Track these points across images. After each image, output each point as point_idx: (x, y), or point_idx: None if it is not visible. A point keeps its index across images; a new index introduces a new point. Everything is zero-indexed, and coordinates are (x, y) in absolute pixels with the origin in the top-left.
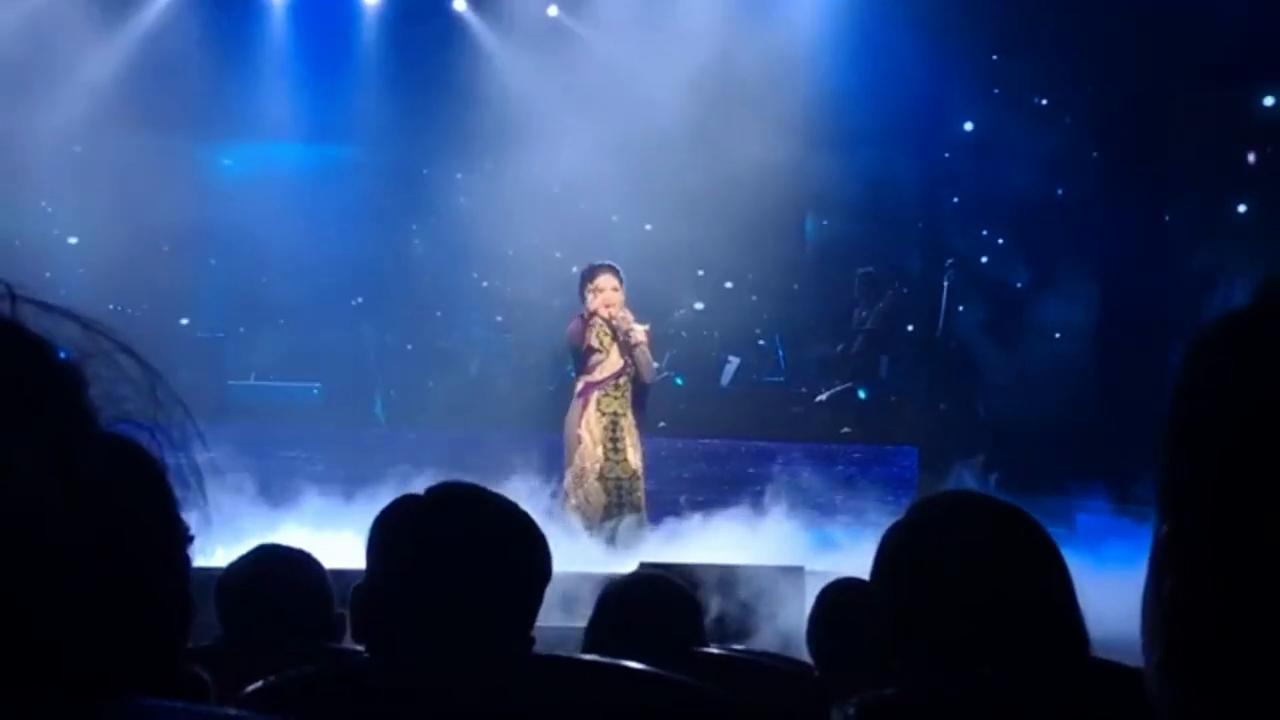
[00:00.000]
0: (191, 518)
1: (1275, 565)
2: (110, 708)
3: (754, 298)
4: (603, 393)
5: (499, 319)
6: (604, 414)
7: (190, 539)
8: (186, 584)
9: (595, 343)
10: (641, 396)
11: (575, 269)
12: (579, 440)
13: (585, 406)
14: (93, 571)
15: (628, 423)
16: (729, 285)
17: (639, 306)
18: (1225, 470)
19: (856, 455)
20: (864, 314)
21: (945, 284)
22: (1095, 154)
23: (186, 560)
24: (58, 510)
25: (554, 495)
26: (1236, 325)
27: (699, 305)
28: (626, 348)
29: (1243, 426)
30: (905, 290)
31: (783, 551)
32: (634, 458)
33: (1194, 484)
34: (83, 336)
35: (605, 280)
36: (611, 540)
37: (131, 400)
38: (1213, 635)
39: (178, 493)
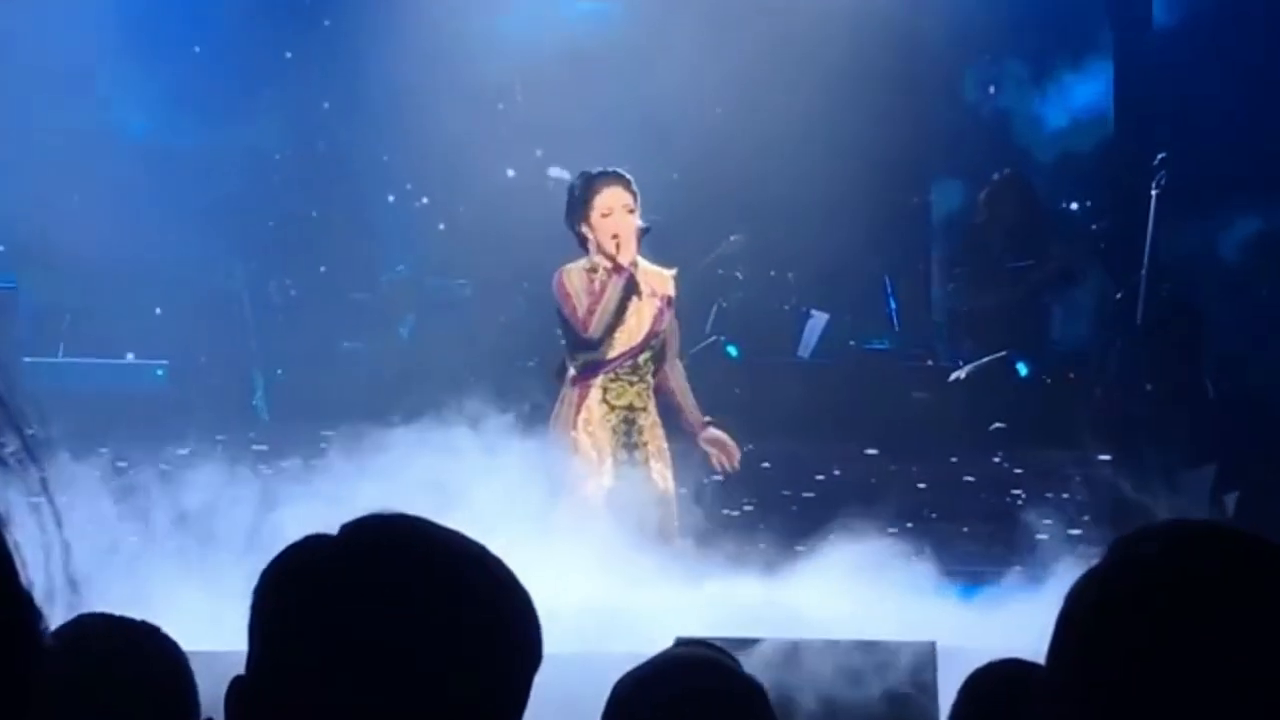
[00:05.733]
0: (43, 585)
1: None
2: None
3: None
4: (610, 377)
5: (447, 255)
6: (613, 408)
7: (41, 627)
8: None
9: (599, 298)
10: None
11: (555, 173)
12: (575, 448)
13: (583, 398)
14: None
15: (649, 421)
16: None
17: (670, 240)
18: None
19: (1014, 465)
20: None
21: (1154, 193)
22: None
23: (33, 651)
24: None
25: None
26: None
27: (734, 237)
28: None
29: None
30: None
31: (902, 617)
32: (661, 472)
33: None
34: None
35: (613, 197)
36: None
37: None
38: None
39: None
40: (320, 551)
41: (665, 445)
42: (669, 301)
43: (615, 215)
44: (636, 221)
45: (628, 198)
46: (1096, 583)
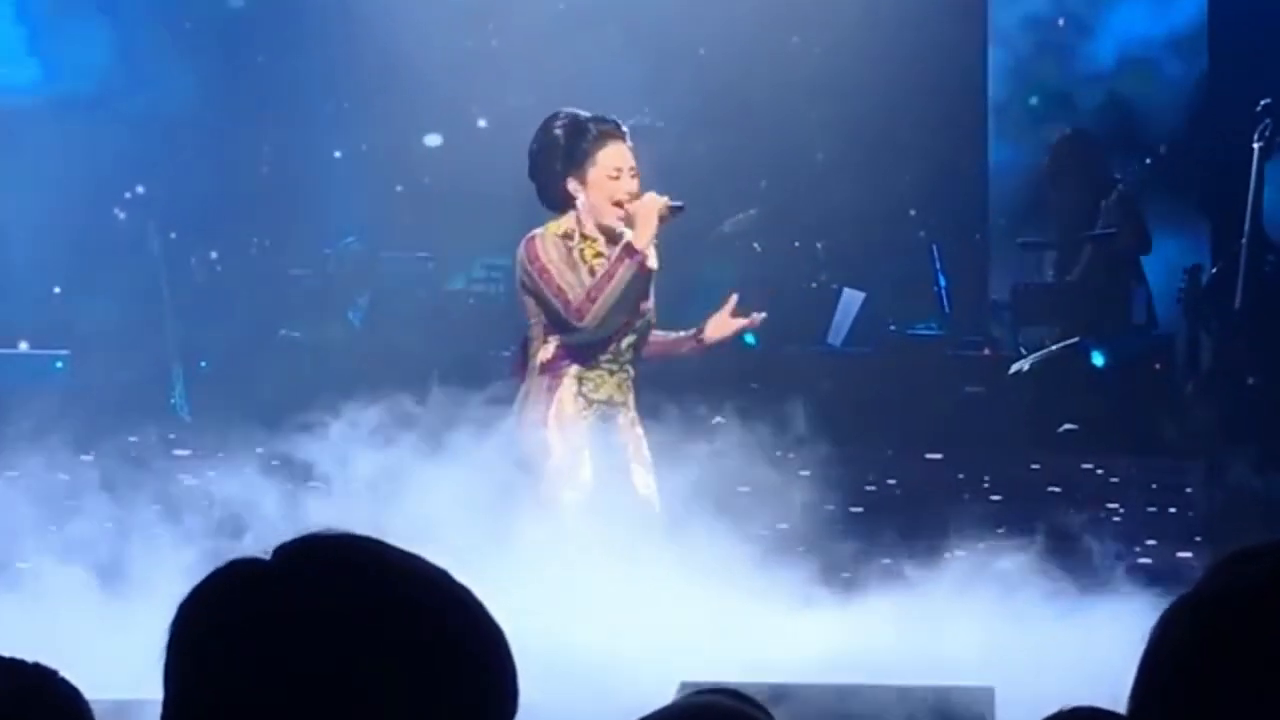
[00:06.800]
0: None
1: None
2: None
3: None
4: (587, 366)
5: (405, 224)
6: (591, 403)
7: None
8: None
9: (602, 285)
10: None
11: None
12: (546, 450)
13: (554, 390)
14: None
15: (628, 419)
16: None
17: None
18: None
19: (1086, 473)
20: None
21: (1256, 146)
22: None
23: None
24: None
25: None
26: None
27: (751, 211)
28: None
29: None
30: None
31: (956, 659)
32: (645, 479)
33: None
34: None
35: (619, 155)
36: None
37: None
38: None
39: None
40: (250, 576)
41: (646, 448)
42: (650, 275)
43: (624, 179)
44: (664, 199)
45: (631, 158)
46: (1189, 612)
